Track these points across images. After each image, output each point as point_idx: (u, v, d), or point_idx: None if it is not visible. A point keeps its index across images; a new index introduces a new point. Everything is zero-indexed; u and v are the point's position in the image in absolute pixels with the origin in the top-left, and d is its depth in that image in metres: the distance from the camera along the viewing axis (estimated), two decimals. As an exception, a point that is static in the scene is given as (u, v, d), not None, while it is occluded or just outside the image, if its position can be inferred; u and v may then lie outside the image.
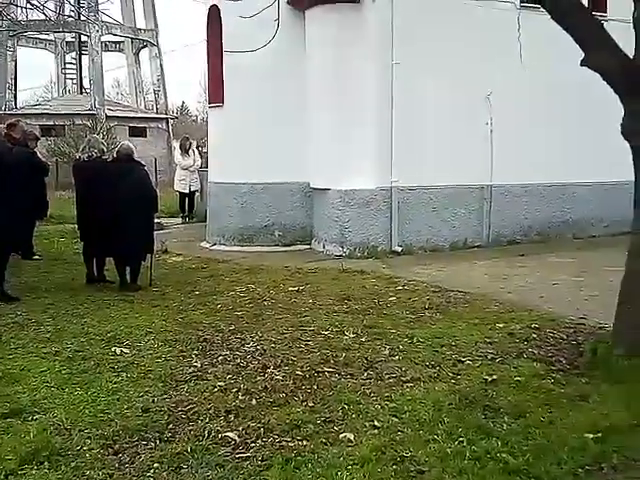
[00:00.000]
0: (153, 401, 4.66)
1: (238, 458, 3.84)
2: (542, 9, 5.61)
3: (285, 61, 11.20)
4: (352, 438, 4.03)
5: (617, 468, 3.66)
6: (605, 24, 5.62)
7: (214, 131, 12.85)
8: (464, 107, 11.07)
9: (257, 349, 5.80)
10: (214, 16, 12.13)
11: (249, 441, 4.03)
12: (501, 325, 6.44)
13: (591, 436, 3.98)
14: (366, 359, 5.48)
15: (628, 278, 5.40)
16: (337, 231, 10.96)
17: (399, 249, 10.86)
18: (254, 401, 4.62)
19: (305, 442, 4.00)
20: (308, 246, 11.62)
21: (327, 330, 6.34)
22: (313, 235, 11.66)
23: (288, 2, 11.02)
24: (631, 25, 5.34)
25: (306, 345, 5.90)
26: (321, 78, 11.05)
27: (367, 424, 4.24)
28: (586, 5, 10.53)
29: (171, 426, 4.25)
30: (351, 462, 3.74)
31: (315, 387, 4.88)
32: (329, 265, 9.78)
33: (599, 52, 5.40)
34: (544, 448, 3.85)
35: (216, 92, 12.37)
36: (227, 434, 4.11)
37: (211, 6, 12.16)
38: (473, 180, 11.44)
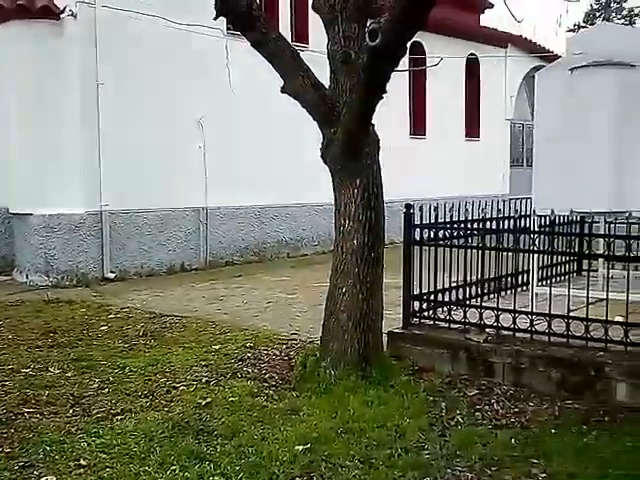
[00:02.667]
0: None
1: None
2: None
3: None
4: (54, 482, 3.68)
5: (325, 475, 3.78)
6: (306, 54, 5.93)
7: None
8: (178, 131, 11.07)
9: (-61, 397, 5.08)
10: None
11: None
12: (217, 347, 6.43)
13: (301, 448, 4.07)
14: (72, 395, 5.11)
15: (332, 293, 5.69)
16: (41, 259, 10.14)
17: (112, 275, 10.41)
18: None
19: (-2, 494, 3.56)
20: (9, 277, 10.58)
21: (28, 367, 5.81)
22: (14, 265, 10.66)
23: (-22, 14, 10.05)
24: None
25: (3, 386, 5.33)
26: (18, 96, 10.22)
27: (72, 464, 3.92)
28: (288, 35, 11.28)
29: None
30: (50, 509, 3.40)
31: (13, 431, 4.42)
32: (33, 297, 9.03)
33: (296, 80, 5.65)
34: (256, 465, 3.85)
35: None
36: None
37: None
38: (189, 203, 11.46)
